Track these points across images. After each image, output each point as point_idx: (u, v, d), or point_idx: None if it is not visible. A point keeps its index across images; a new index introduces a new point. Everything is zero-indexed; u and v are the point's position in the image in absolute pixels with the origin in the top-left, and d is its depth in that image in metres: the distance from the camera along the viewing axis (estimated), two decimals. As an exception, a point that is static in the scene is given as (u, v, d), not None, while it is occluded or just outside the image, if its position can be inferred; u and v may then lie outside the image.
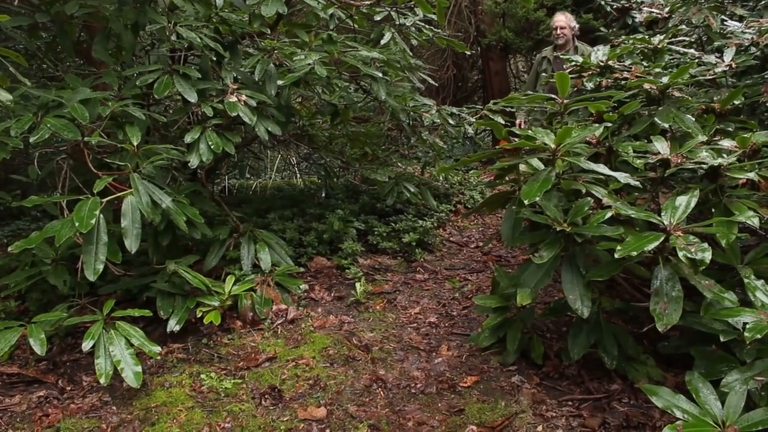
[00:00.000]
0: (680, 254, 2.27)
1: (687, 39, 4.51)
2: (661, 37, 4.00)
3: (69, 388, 2.95)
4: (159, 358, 3.10)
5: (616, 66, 3.59)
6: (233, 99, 3.51)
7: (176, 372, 3.08)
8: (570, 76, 3.34)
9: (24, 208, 5.16)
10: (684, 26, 4.78)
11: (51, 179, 4.35)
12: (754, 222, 2.37)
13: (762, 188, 2.58)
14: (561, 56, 5.57)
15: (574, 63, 4.75)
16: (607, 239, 2.53)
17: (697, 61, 3.70)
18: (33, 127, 2.89)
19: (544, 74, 5.59)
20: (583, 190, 2.70)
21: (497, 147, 3.07)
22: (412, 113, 5.15)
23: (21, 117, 2.90)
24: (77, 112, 2.92)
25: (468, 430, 2.60)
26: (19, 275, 3.27)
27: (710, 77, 3.50)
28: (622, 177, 2.62)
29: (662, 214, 2.47)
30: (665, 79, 3.15)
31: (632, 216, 2.49)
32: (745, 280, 2.40)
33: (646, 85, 3.19)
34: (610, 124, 3.05)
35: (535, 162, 2.92)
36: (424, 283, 4.37)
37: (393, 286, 4.26)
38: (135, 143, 3.15)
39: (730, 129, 3.12)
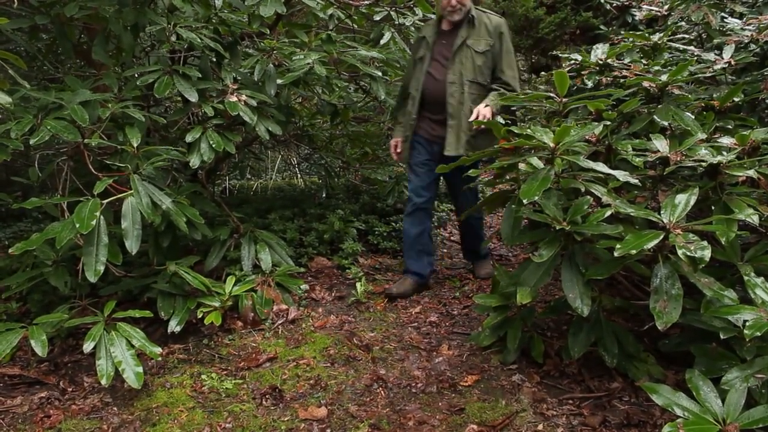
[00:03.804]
0: (680, 252, 2.27)
1: (686, 36, 4.50)
2: (661, 34, 4.01)
3: (70, 389, 2.96)
4: (160, 358, 3.11)
5: (615, 64, 3.59)
6: (233, 99, 3.51)
7: (177, 372, 3.08)
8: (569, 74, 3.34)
9: (25, 210, 5.15)
10: (683, 24, 4.78)
11: (52, 181, 4.35)
12: (754, 219, 2.37)
13: (762, 186, 2.58)
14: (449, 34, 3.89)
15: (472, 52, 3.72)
16: (607, 237, 2.53)
17: (696, 58, 3.70)
18: (33, 129, 2.89)
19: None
20: (583, 189, 2.70)
21: (497, 146, 3.07)
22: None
23: (21, 119, 2.90)
24: (77, 113, 2.93)
25: (468, 429, 2.60)
26: (21, 277, 3.27)
27: (710, 74, 3.50)
28: (622, 175, 2.62)
29: (662, 212, 2.47)
30: (664, 77, 3.15)
31: (631, 214, 2.49)
32: (745, 278, 2.40)
33: (645, 83, 3.19)
34: (609, 123, 3.05)
35: (535, 161, 2.92)
36: (424, 282, 4.37)
37: (394, 286, 4.26)
38: (135, 144, 3.16)
39: (729, 126, 3.11)
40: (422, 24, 4.46)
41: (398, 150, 4.12)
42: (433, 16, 4.71)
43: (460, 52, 3.82)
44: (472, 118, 3.66)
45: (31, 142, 2.81)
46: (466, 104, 3.80)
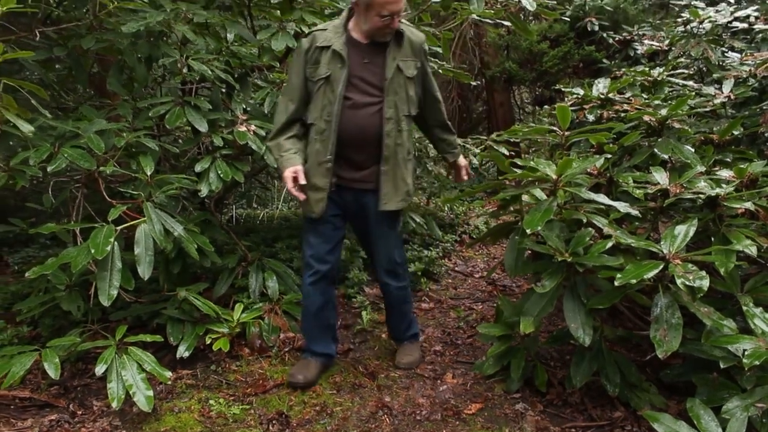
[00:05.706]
0: (678, 282, 2.32)
1: (686, 71, 4.60)
2: (661, 69, 4.10)
3: (80, 413, 2.99)
4: (169, 383, 3.14)
5: (617, 98, 3.67)
6: (243, 129, 3.60)
7: (185, 397, 3.11)
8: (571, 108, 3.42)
9: (34, 236, 5.23)
10: (683, 59, 4.88)
11: (63, 207, 4.43)
12: (752, 251, 2.41)
13: (760, 217, 2.64)
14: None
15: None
16: (608, 269, 2.58)
17: (696, 92, 3.78)
18: (51, 157, 2.99)
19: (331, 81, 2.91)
20: (585, 220, 2.76)
21: (501, 177, 3.14)
22: (417, 144, 5.22)
23: (39, 147, 3.00)
24: (93, 142, 3.02)
25: (473, 456, 2.62)
26: (33, 301, 3.33)
27: (709, 108, 3.58)
28: (623, 207, 2.68)
29: (662, 243, 2.52)
30: (664, 111, 3.23)
31: (632, 245, 2.55)
32: (744, 308, 2.44)
33: (646, 117, 3.26)
34: (610, 156, 3.12)
35: (538, 192, 2.98)
36: (429, 312, 4.40)
37: (398, 314, 4.28)
38: (149, 173, 3.24)
39: (728, 159, 3.18)
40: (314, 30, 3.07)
41: (301, 181, 2.90)
42: (438, 49, 4.75)
43: (395, 80, 2.93)
44: (465, 177, 3.38)
45: (49, 169, 2.89)
46: (404, 146, 3.02)
